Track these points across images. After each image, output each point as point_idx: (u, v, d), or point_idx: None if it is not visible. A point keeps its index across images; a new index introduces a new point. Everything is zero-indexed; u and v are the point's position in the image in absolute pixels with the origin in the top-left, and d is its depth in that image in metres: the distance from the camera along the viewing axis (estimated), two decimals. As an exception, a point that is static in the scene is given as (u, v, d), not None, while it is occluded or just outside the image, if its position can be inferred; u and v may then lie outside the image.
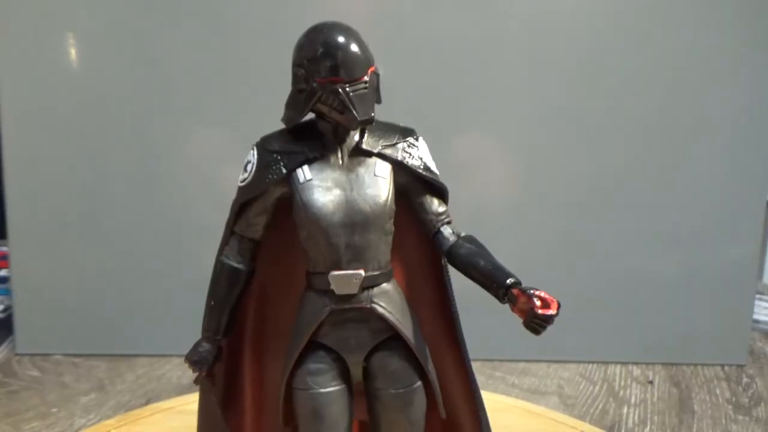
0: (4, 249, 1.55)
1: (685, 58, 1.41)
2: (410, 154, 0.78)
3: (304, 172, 0.76)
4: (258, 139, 0.79)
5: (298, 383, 0.78)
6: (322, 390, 0.77)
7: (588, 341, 1.50)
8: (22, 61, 1.42)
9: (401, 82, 1.30)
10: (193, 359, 0.79)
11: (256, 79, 1.38)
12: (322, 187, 0.75)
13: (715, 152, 1.45)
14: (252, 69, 1.41)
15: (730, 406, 1.34)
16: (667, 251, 1.49)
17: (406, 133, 0.80)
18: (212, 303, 0.80)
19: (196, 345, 0.80)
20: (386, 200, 0.76)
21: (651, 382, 1.43)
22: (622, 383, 1.43)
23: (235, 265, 0.80)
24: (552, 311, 0.68)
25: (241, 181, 0.78)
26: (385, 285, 0.78)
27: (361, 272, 0.75)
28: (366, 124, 0.75)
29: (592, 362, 1.51)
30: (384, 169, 0.77)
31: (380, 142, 0.77)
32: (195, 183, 1.46)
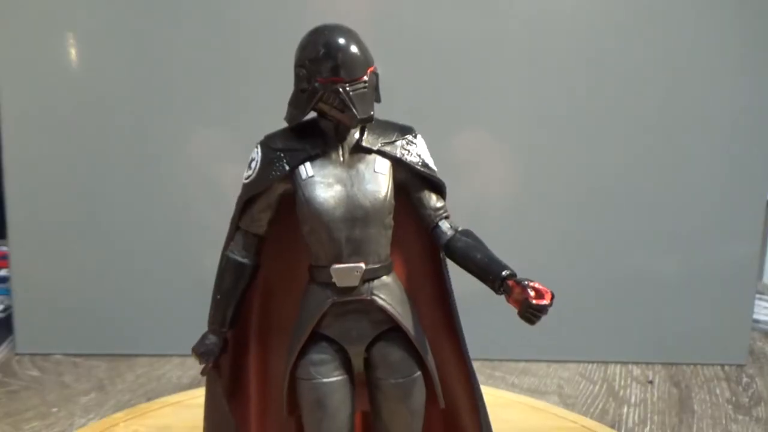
0: (4, 249, 1.55)
1: (685, 58, 1.41)
2: (409, 151, 0.80)
3: (307, 169, 0.77)
4: (259, 138, 0.81)
5: (301, 373, 0.79)
6: (325, 380, 0.78)
7: (588, 341, 1.51)
8: (22, 61, 1.42)
9: (401, 82, 1.31)
10: (200, 351, 0.82)
11: (256, 79, 1.38)
12: (323, 184, 0.77)
13: (715, 152, 1.45)
14: (252, 69, 1.41)
15: (730, 406, 1.34)
16: (667, 251, 1.49)
17: (404, 130, 0.81)
18: (218, 296, 0.82)
19: (203, 337, 0.82)
20: (386, 196, 0.78)
21: (651, 382, 1.43)
22: (622, 383, 1.43)
23: (240, 259, 0.81)
24: (545, 301, 0.70)
25: (246, 178, 0.80)
26: (385, 277, 0.79)
27: (362, 265, 0.77)
28: (366, 122, 0.77)
29: (592, 362, 1.51)
30: (383, 166, 0.79)
31: (380, 139, 0.79)
32: (195, 183, 1.46)
